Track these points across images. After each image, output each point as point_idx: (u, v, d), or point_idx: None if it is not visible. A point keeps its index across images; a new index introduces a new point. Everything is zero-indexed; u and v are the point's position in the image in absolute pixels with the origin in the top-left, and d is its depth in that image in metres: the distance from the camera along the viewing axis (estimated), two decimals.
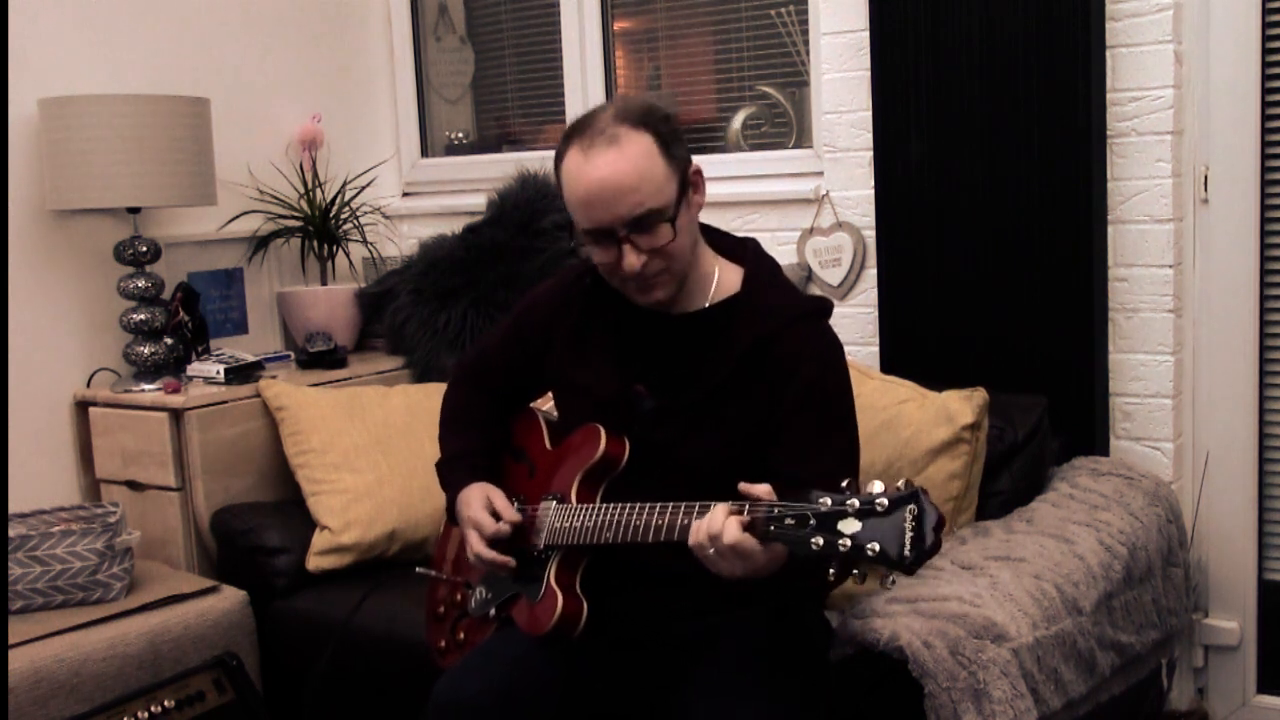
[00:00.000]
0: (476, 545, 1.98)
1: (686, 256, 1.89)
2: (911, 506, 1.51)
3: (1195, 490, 2.69)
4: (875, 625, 1.85)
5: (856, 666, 1.86)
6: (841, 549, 1.52)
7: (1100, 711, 2.16)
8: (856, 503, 1.54)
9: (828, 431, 1.85)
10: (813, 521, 1.55)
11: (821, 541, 1.54)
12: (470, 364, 2.23)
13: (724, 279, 1.96)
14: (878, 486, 1.54)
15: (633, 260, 1.83)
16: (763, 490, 1.65)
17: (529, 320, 2.11)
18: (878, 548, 1.50)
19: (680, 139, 1.88)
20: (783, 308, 1.90)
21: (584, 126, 1.86)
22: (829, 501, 1.55)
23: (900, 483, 1.54)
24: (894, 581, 1.53)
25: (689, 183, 1.87)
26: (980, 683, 1.81)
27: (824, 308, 1.95)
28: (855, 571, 1.55)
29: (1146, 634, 2.29)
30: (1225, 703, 2.74)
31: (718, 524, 1.63)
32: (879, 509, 1.52)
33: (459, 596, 2.13)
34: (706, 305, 1.94)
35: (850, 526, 1.53)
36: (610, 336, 1.99)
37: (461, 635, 2.09)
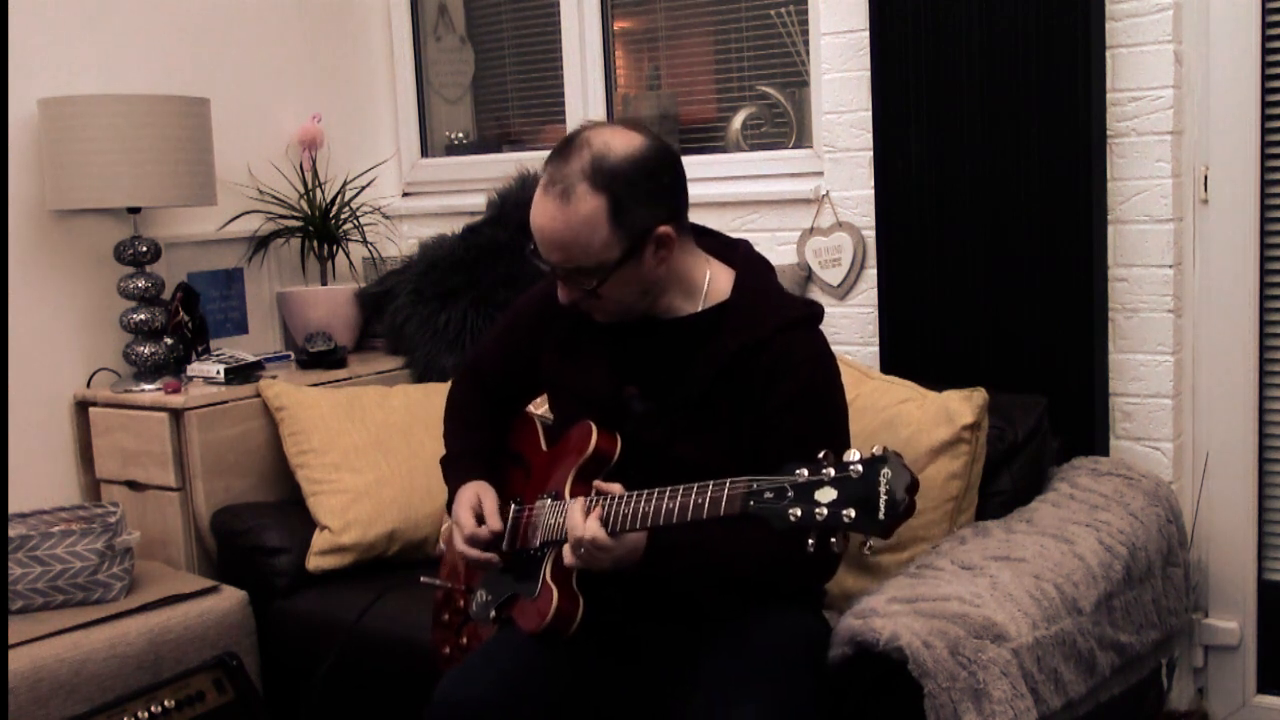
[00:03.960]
0: (457, 543, 2.02)
1: (628, 301, 1.91)
2: (885, 470, 1.53)
3: (1195, 490, 2.69)
4: (875, 625, 1.85)
5: (856, 666, 1.86)
6: (819, 518, 1.54)
7: (1100, 711, 2.16)
8: (832, 471, 1.56)
9: (815, 433, 1.85)
10: (790, 494, 1.58)
11: (799, 512, 1.56)
12: (471, 363, 2.25)
13: (716, 283, 1.96)
14: (853, 454, 1.56)
15: (563, 294, 1.92)
16: (615, 489, 1.79)
17: (523, 321, 2.12)
18: (853, 513, 1.53)
19: (653, 199, 1.84)
20: (770, 315, 1.91)
21: (556, 160, 1.85)
22: (805, 473, 1.58)
23: (875, 447, 1.56)
24: (872, 548, 1.56)
25: (643, 246, 1.85)
26: (980, 683, 1.81)
27: (812, 315, 1.95)
28: (833, 540, 1.56)
29: (1146, 634, 2.29)
30: (1225, 703, 2.74)
31: (578, 527, 1.77)
32: (853, 475, 1.54)
33: (462, 603, 2.14)
34: (698, 310, 1.95)
35: (827, 495, 1.55)
36: (602, 338, 2.00)
37: (465, 640, 2.10)
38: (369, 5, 3.65)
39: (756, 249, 2.06)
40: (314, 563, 2.72)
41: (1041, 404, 2.53)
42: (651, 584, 1.88)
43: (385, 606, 2.49)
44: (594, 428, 1.93)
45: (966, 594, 1.95)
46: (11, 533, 2.55)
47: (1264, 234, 2.60)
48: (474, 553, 2.01)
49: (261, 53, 3.38)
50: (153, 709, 2.39)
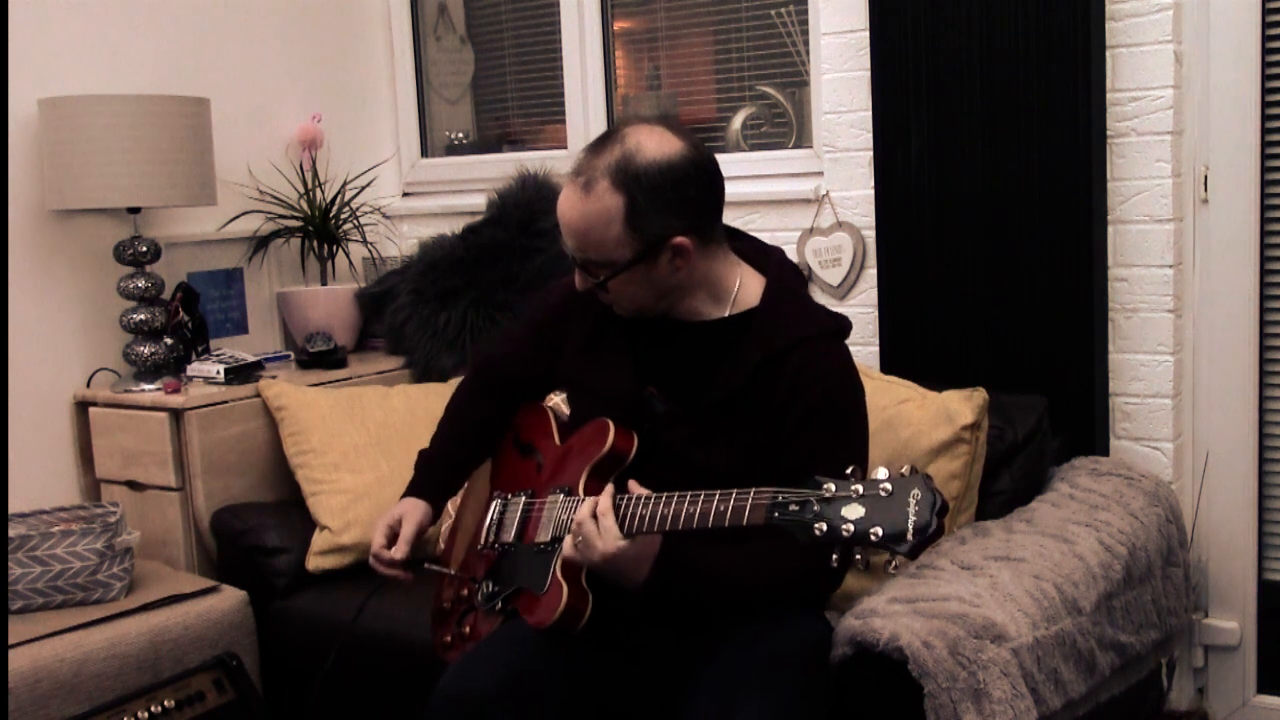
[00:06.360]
0: (371, 553, 2.12)
1: (641, 299, 1.93)
2: (915, 491, 1.51)
3: (1195, 490, 2.69)
4: (875, 625, 1.85)
5: (856, 667, 1.86)
6: (845, 534, 1.53)
7: (1100, 711, 2.16)
8: (860, 488, 1.54)
9: (835, 447, 1.85)
10: (816, 507, 1.56)
11: (825, 527, 1.55)
12: (487, 355, 2.27)
13: (746, 289, 1.96)
14: (882, 472, 1.55)
15: (578, 281, 1.95)
16: (643, 490, 1.77)
17: (546, 315, 2.14)
18: (881, 532, 1.51)
19: (674, 208, 1.84)
20: (796, 326, 1.90)
21: (590, 149, 1.88)
22: (833, 487, 1.56)
23: (905, 468, 1.55)
24: (896, 566, 1.54)
25: (658, 252, 1.86)
26: (980, 683, 1.81)
27: (839, 328, 1.95)
28: (858, 557, 1.55)
29: (1146, 634, 2.29)
30: (1225, 703, 2.74)
31: (588, 507, 1.76)
32: (883, 494, 1.53)
33: (465, 591, 2.14)
34: (725, 315, 1.95)
35: (854, 512, 1.54)
36: (625, 337, 2.01)
37: (467, 629, 2.10)
38: (369, 5, 3.65)
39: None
40: (314, 563, 2.72)
41: (1041, 404, 2.53)
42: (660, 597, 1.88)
43: (384, 605, 2.49)
44: (611, 425, 1.94)
45: (966, 594, 1.95)
46: (11, 533, 2.55)
47: (1264, 234, 2.60)
48: (380, 567, 2.10)
49: (261, 53, 3.38)
50: (153, 709, 2.39)
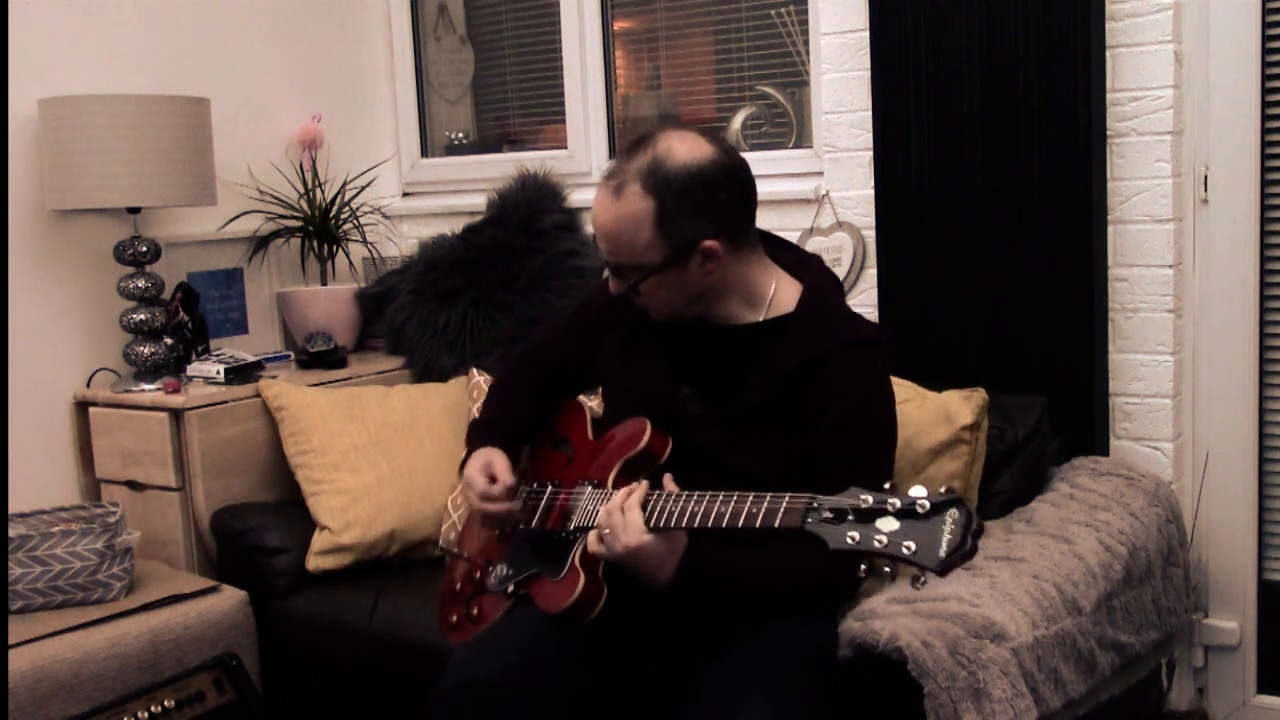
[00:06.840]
0: (471, 498, 2.07)
1: (674, 303, 1.94)
2: (953, 511, 1.51)
3: (1195, 490, 2.69)
4: (875, 626, 1.85)
5: (857, 668, 1.86)
6: (877, 545, 1.53)
7: (1100, 711, 2.16)
8: (897, 502, 1.54)
9: (870, 453, 1.86)
10: (850, 516, 1.56)
11: (857, 536, 1.55)
12: (530, 348, 2.29)
13: (781, 294, 1.97)
14: (920, 490, 1.55)
15: (612, 284, 1.97)
16: (676, 487, 1.78)
17: (592, 309, 2.16)
18: (913, 546, 1.51)
19: (704, 212, 1.86)
20: (832, 333, 1.92)
21: (623, 154, 1.91)
22: (870, 499, 1.56)
23: (943, 488, 1.55)
24: (924, 582, 1.53)
25: (688, 256, 1.88)
26: (980, 682, 1.81)
27: (874, 337, 1.96)
28: (887, 569, 1.55)
29: (1146, 634, 2.29)
30: (1225, 703, 2.74)
31: (619, 498, 1.77)
32: (919, 510, 1.53)
33: (478, 574, 2.15)
34: (760, 320, 1.96)
35: (888, 525, 1.54)
36: (661, 339, 2.03)
37: (475, 611, 2.11)
38: (369, 5, 3.65)
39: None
40: (314, 563, 2.72)
41: (1041, 404, 2.53)
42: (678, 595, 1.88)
43: (386, 605, 2.49)
44: (648, 424, 1.95)
45: (966, 594, 1.95)
46: (11, 533, 2.55)
47: (1264, 234, 2.60)
48: (492, 506, 2.05)
49: (261, 53, 3.38)
50: (153, 709, 2.39)
